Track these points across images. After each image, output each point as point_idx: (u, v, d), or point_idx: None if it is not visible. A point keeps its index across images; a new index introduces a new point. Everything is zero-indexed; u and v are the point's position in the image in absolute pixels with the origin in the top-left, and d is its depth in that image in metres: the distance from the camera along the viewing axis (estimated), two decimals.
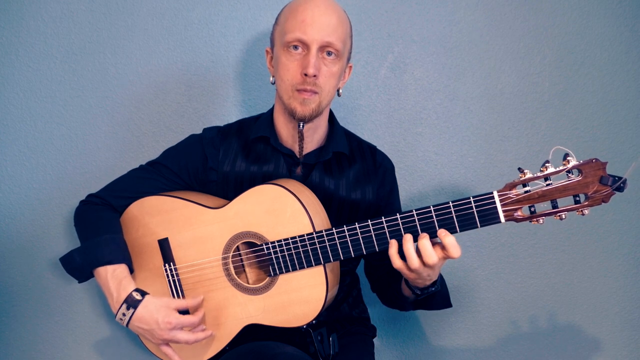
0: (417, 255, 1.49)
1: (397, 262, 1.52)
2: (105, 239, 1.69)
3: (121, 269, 1.66)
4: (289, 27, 1.64)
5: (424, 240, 1.48)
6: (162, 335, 1.62)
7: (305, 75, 1.61)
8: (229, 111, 2.14)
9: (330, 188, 1.77)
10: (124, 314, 1.61)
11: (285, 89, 1.67)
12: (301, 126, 1.69)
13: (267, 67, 1.82)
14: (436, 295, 1.71)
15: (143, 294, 1.62)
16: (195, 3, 2.11)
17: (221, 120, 2.09)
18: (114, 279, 1.64)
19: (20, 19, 2.06)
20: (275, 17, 1.78)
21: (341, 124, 1.92)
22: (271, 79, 1.76)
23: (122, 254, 1.69)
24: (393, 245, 1.52)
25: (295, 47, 1.63)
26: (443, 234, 1.47)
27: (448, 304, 1.79)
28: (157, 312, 1.61)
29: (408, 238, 1.50)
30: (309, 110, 1.65)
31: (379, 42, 2.15)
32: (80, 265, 1.70)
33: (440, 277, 1.71)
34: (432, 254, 1.47)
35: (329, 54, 1.64)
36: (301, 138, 1.71)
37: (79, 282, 1.75)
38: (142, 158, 2.01)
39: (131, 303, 1.60)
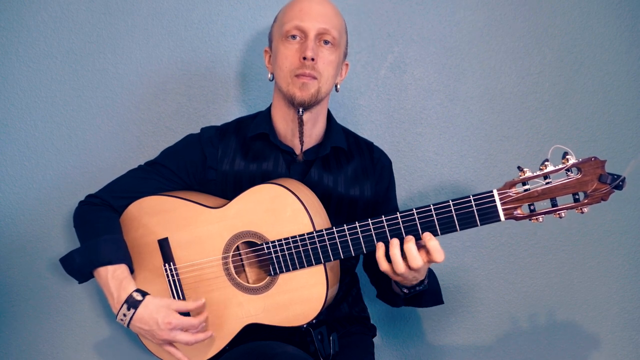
0: (403, 259, 1.51)
1: (383, 264, 1.54)
2: (105, 239, 1.68)
3: (121, 269, 1.66)
4: (287, 18, 1.70)
5: (410, 243, 1.50)
6: (162, 336, 1.62)
7: (304, 59, 1.65)
8: (229, 111, 2.15)
9: (329, 185, 1.78)
10: (124, 315, 1.61)
11: (284, 76, 1.69)
12: (300, 112, 1.70)
13: (265, 67, 1.84)
14: (425, 294, 1.73)
15: (144, 294, 1.62)
16: (195, 3, 2.11)
17: (221, 120, 2.09)
18: (115, 279, 1.64)
19: (20, 19, 2.06)
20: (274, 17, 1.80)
21: (341, 123, 1.93)
22: (269, 75, 1.80)
23: (122, 254, 1.69)
24: (380, 248, 1.54)
25: (294, 37, 1.68)
26: (427, 237, 1.49)
27: (439, 301, 1.81)
28: (157, 312, 1.61)
29: (395, 243, 1.51)
30: (308, 95, 1.67)
31: (379, 42, 2.15)
32: (80, 266, 1.70)
33: (431, 275, 1.74)
34: (417, 258, 1.49)
35: (326, 42, 1.69)
36: (301, 123, 1.72)
37: (79, 282, 1.75)
38: (142, 158, 2.01)
39: (131, 303, 1.60)
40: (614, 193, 1.38)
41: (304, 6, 1.68)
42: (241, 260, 1.71)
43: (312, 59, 1.65)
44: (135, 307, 1.60)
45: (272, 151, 1.78)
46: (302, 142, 1.75)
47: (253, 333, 1.73)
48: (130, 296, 1.61)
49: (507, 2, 2.15)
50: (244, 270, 1.72)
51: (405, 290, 1.66)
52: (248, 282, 1.69)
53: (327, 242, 1.57)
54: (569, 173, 1.39)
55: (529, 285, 2.21)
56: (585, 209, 1.41)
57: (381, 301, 1.95)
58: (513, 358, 2.23)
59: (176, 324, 1.62)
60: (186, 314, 1.70)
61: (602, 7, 2.15)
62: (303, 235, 1.58)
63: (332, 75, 1.72)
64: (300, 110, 1.70)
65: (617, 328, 2.22)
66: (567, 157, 1.38)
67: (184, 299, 1.73)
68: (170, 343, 1.67)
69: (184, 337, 1.63)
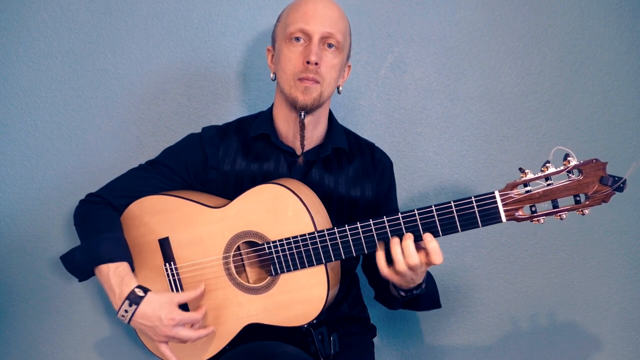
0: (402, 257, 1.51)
1: (384, 270, 1.55)
2: (107, 237, 1.68)
3: (123, 266, 1.66)
4: (291, 20, 1.68)
5: (408, 240, 1.50)
6: (165, 332, 1.61)
7: (308, 63, 1.64)
8: (229, 111, 2.14)
9: (330, 186, 1.78)
10: (126, 311, 1.60)
11: (286, 79, 1.69)
12: (302, 116, 1.70)
13: (267, 66, 1.84)
14: (423, 297, 1.72)
15: (145, 290, 1.62)
16: (195, 3, 2.11)
17: (221, 120, 2.09)
18: (116, 276, 1.63)
19: (20, 19, 2.06)
20: (275, 16, 1.79)
21: (341, 123, 1.93)
22: (272, 75, 1.78)
23: (123, 252, 1.68)
24: (380, 255, 1.54)
25: (297, 39, 1.67)
26: (428, 238, 1.49)
27: (437, 305, 1.81)
28: (160, 308, 1.60)
29: (395, 241, 1.51)
30: (310, 99, 1.67)
31: (379, 42, 2.15)
32: (81, 264, 1.69)
33: (429, 279, 1.73)
34: (414, 255, 1.49)
35: (329, 45, 1.68)
36: (302, 127, 1.72)
37: (79, 280, 1.75)
38: (142, 158, 2.01)
39: (133, 300, 1.60)
40: (614, 195, 1.38)
41: (309, 8, 1.67)
42: (242, 260, 1.70)
43: (316, 63, 1.64)
44: (137, 304, 1.59)
45: (274, 152, 1.78)
46: (302, 146, 1.75)
47: (253, 333, 1.73)
48: (132, 292, 1.60)
49: (507, 2, 2.15)
50: (245, 270, 1.72)
51: (402, 293, 1.66)
52: (249, 282, 1.69)
53: (329, 243, 1.57)
54: (570, 175, 1.39)
55: (529, 285, 2.21)
56: (586, 211, 1.41)
57: (375, 300, 1.96)
58: (513, 358, 2.23)
59: (179, 319, 1.61)
60: (185, 308, 1.70)
61: (602, 7, 2.15)
62: (304, 235, 1.58)
63: (334, 79, 1.71)
64: (302, 114, 1.69)
65: (617, 328, 2.23)
66: (569, 158, 1.38)
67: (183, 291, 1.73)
68: (168, 342, 1.66)
69: (186, 333, 1.63)
